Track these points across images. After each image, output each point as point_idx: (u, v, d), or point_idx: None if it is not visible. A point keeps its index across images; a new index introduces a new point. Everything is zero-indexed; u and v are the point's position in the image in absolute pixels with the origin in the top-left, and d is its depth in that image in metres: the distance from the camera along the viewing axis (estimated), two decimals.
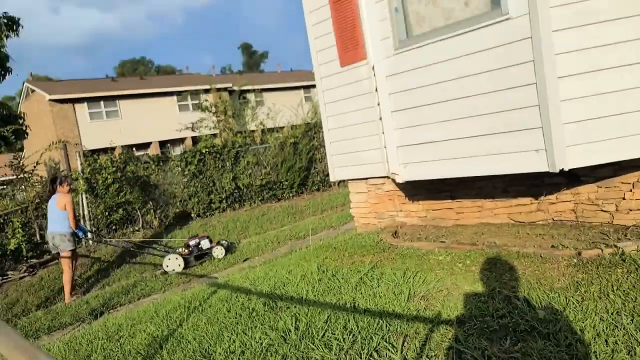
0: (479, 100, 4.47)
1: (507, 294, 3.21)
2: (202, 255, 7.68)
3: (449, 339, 2.79)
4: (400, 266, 4.23)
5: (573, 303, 2.94)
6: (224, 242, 8.24)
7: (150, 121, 26.76)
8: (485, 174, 4.63)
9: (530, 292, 3.18)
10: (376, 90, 5.38)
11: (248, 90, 24.88)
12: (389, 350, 2.80)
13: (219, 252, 7.61)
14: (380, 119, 5.40)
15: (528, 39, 4.02)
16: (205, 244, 7.78)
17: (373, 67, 5.35)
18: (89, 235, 8.18)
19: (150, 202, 11.17)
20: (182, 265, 7.33)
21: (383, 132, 5.41)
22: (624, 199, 4.31)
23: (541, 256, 3.80)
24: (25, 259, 9.20)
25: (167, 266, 7.35)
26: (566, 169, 4.05)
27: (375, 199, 6.18)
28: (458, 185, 5.46)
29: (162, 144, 27.46)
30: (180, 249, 7.79)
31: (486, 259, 3.97)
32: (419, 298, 3.48)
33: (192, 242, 7.77)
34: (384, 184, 6.01)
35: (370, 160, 5.80)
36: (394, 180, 5.57)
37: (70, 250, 6.79)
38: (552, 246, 4.05)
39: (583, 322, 2.68)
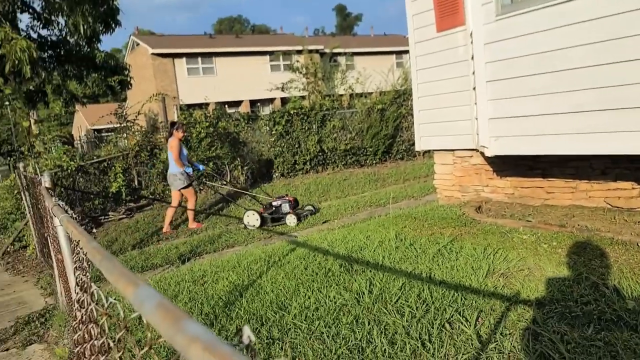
0: (587, 73, 4.16)
1: (595, 281, 3.05)
2: (279, 219, 7.81)
3: (527, 319, 2.73)
4: (481, 242, 4.13)
5: None
6: (309, 207, 8.24)
7: (242, 80, 27.51)
8: (586, 153, 4.34)
9: (621, 281, 3.01)
10: (472, 58, 5.17)
11: (339, 53, 24.74)
12: (462, 323, 2.79)
13: (291, 220, 7.60)
14: (474, 88, 5.20)
15: None
16: (285, 207, 7.80)
17: (471, 34, 5.13)
18: (202, 168, 8.47)
19: (239, 159, 11.61)
20: (259, 222, 7.56)
21: (475, 103, 5.22)
22: None
23: (638, 245, 3.55)
24: (124, 202, 9.98)
25: (247, 221, 7.65)
26: None
27: (461, 172, 6.03)
28: (551, 163, 5.18)
29: (253, 103, 28.21)
30: (263, 206, 8.06)
31: (575, 243, 3.78)
32: (498, 275, 3.41)
33: (274, 203, 7.91)
34: (471, 156, 5.83)
35: (459, 132, 5.64)
36: (482, 154, 5.38)
37: (182, 189, 7.84)
38: None
39: None
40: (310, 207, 8.19)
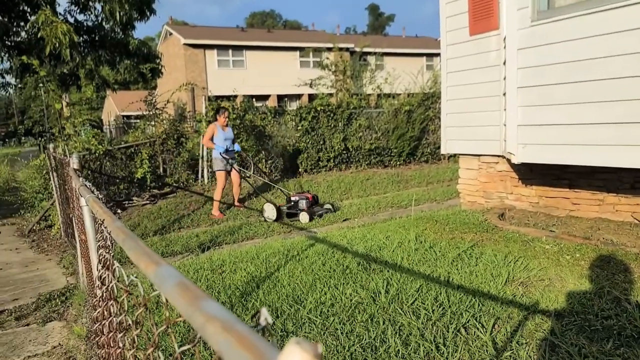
0: (620, 83, 4.07)
1: (617, 296, 2.99)
2: (295, 214, 7.77)
3: (544, 330, 2.69)
4: (503, 249, 4.08)
5: None
6: (328, 205, 8.14)
7: (271, 74, 27.65)
8: (615, 165, 4.25)
9: None
10: (504, 63, 5.10)
11: (369, 53, 24.63)
12: (478, 329, 2.76)
13: (303, 217, 7.53)
14: (504, 94, 5.14)
15: None
16: (301, 204, 7.74)
17: (504, 39, 5.06)
18: (237, 148, 8.68)
19: (263, 152, 11.67)
20: (274, 215, 7.57)
21: (505, 109, 5.15)
22: None
23: None
24: (148, 188, 10.13)
25: (266, 215, 7.65)
26: None
27: (486, 178, 5.96)
28: (579, 174, 5.08)
29: (280, 97, 28.34)
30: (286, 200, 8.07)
31: (598, 256, 3.71)
32: (518, 284, 3.36)
33: (293, 198, 7.89)
34: (497, 163, 5.76)
35: (487, 137, 5.57)
36: (508, 161, 5.31)
37: (220, 170, 8.28)
38: None
39: None
40: (329, 206, 8.08)
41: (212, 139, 8.31)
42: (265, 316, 0.60)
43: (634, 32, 3.94)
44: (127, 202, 9.46)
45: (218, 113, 8.47)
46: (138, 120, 12.31)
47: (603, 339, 2.54)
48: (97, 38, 12.75)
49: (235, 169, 8.49)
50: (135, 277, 1.24)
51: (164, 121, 10.96)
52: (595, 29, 4.21)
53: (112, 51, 12.76)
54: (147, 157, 10.11)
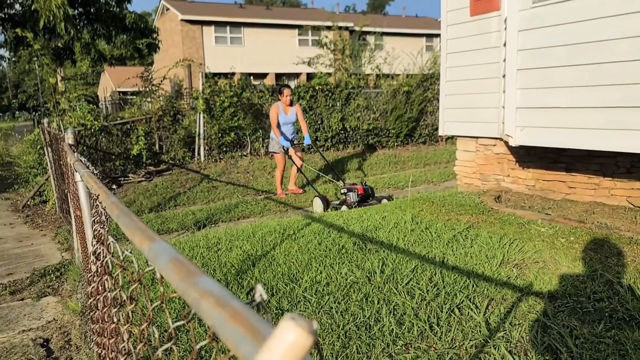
0: (620, 67, 4.05)
1: (610, 279, 3.01)
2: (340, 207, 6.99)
3: (537, 311, 2.71)
4: (498, 231, 4.10)
5: None
6: (385, 199, 6.99)
7: (270, 52, 27.40)
8: (612, 149, 4.25)
9: (637, 281, 2.96)
10: (504, 45, 5.05)
11: (369, 32, 24.38)
12: (471, 310, 2.78)
13: (316, 205, 6.98)
14: (504, 76, 5.10)
15: None
16: (349, 197, 6.90)
17: (505, 20, 5.00)
18: (306, 140, 7.67)
19: (260, 131, 11.62)
20: (322, 210, 6.83)
21: (504, 91, 5.12)
22: None
23: None
24: (144, 165, 10.09)
25: (314, 208, 7.09)
26: None
27: (483, 160, 5.95)
28: (576, 157, 5.08)
29: (278, 76, 28.12)
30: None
31: (593, 239, 3.72)
32: (512, 265, 3.38)
33: (342, 191, 7.06)
34: (494, 145, 5.75)
35: (485, 119, 5.55)
36: (506, 143, 5.30)
37: (276, 153, 7.68)
38: None
39: None
40: (385, 200, 6.87)
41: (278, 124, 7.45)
42: (260, 292, 0.59)
43: (635, 15, 3.90)
44: (122, 178, 9.44)
45: (280, 92, 7.56)
46: (134, 97, 12.20)
47: (595, 321, 2.56)
48: (92, 11, 12.57)
49: (296, 156, 7.64)
50: (130, 253, 1.23)
51: (161, 98, 10.87)
52: (596, 11, 4.16)
53: (108, 25, 12.60)
54: (143, 134, 10.05)
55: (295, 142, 7.69)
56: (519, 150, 5.45)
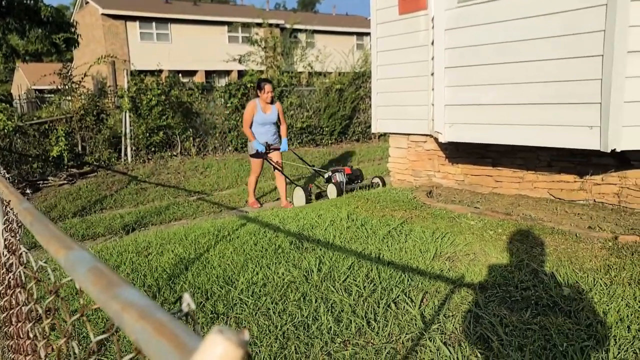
0: (538, 66, 4.26)
1: (535, 268, 3.16)
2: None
3: (469, 302, 2.78)
4: (430, 225, 4.20)
5: (600, 285, 2.87)
6: (376, 179, 6.82)
7: (199, 49, 26.76)
8: (533, 144, 4.48)
9: (559, 269, 3.12)
10: (432, 43, 5.19)
11: (300, 30, 24.43)
12: (407, 303, 2.82)
13: (331, 191, 6.35)
14: (432, 74, 5.24)
15: (602, 6, 3.76)
16: (335, 177, 6.63)
17: (432, 19, 5.14)
18: (283, 146, 6.67)
19: (190, 130, 11.32)
20: (304, 201, 6.49)
21: (433, 89, 5.26)
22: None
23: (576, 235, 3.70)
24: (66, 167, 9.55)
25: (295, 200, 6.69)
26: (618, 150, 3.88)
27: (415, 157, 6.09)
28: (502, 152, 5.31)
29: (208, 73, 27.53)
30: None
31: (518, 230, 3.90)
32: (445, 259, 3.47)
33: (327, 175, 6.83)
34: (425, 142, 5.90)
35: (415, 116, 5.68)
36: (436, 140, 5.45)
37: (252, 156, 6.56)
38: (589, 227, 3.93)
39: (607, 306, 2.63)
40: (377, 180, 6.66)
41: (251, 124, 6.48)
42: (187, 302, 0.54)
43: (553, 16, 4.11)
44: (41, 182, 8.87)
45: (259, 88, 6.49)
46: (52, 95, 11.50)
47: (522, 309, 2.67)
48: (3, 3, 11.72)
49: (272, 161, 6.61)
50: (46, 263, 1.12)
51: (82, 96, 10.31)
52: (518, 11, 4.36)
53: (21, 18, 11.80)
54: (64, 134, 9.50)
55: (273, 146, 6.61)
56: (449, 147, 5.62)
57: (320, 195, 6.55)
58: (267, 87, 6.41)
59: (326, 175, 6.74)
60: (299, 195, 6.55)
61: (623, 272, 3.02)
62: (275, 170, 6.72)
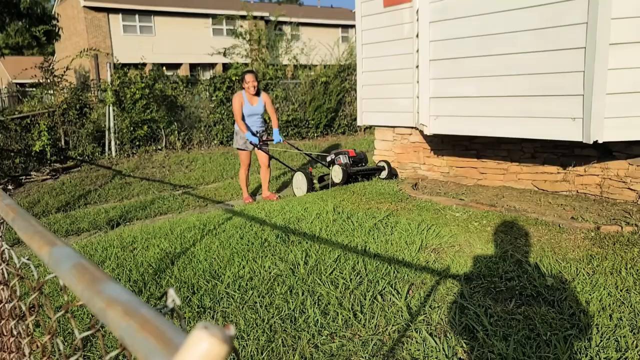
0: (523, 58, 4.30)
1: (519, 258, 3.19)
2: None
3: (455, 293, 2.81)
4: (416, 217, 4.22)
5: (583, 275, 2.92)
6: (382, 163, 6.32)
7: (183, 42, 26.49)
8: (517, 136, 4.52)
9: (543, 259, 3.16)
10: (417, 36, 5.20)
11: (285, 22, 24.31)
12: (393, 295, 2.84)
13: (336, 173, 5.99)
14: (417, 67, 5.25)
15: None
16: (339, 159, 6.35)
17: (417, 11, 5.14)
18: (276, 138, 6.45)
19: (175, 123, 11.23)
20: (305, 187, 6.25)
21: (417, 81, 5.27)
22: None
23: (559, 226, 3.75)
24: (49, 162, 9.42)
25: (295, 189, 6.50)
26: (600, 142, 3.93)
27: (400, 149, 6.11)
28: (486, 144, 5.35)
29: (193, 66, 27.29)
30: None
31: (503, 222, 3.94)
32: (430, 250, 3.49)
33: (329, 158, 6.54)
34: (410, 134, 5.92)
35: (401, 109, 5.69)
36: (421, 132, 5.47)
37: (241, 150, 6.44)
38: (572, 218, 3.99)
39: (590, 295, 2.67)
40: (383, 164, 6.27)
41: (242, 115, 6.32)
42: (172, 297, 0.53)
43: (536, 9, 4.14)
44: (24, 177, 8.75)
45: (242, 79, 6.46)
46: (34, 89, 11.32)
47: (507, 299, 2.71)
48: None
49: (262, 150, 6.42)
50: (29, 260, 1.11)
51: (65, 90, 10.17)
52: (502, 4, 4.38)
53: (0, 11, 11.56)
54: (46, 129, 9.36)
55: (264, 137, 6.49)
56: (434, 139, 5.65)
57: (323, 179, 6.23)
58: (247, 77, 6.33)
59: (329, 158, 6.44)
60: (299, 180, 6.26)
61: (605, 261, 3.08)
62: (262, 169, 6.61)
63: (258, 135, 6.38)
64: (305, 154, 7.46)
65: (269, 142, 6.56)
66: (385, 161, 6.28)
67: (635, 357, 2.16)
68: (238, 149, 6.55)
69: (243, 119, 6.39)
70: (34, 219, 0.94)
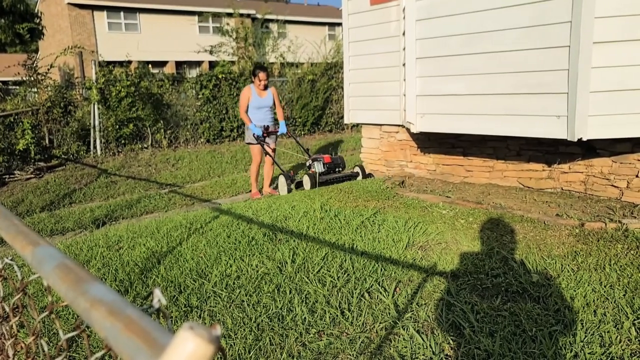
0: (508, 56, 4.33)
1: (505, 255, 3.22)
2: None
3: (441, 290, 2.83)
4: (403, 215, 4.24)
5: (568, 271, 2.95)
6: (357, 169, 6.47)
7: (169, 39, 26.29)
8: (503, 134, 4.56)
9: (528, 256, 3.20)
10: (403, 34, 5.21)
11: (271, 20, 24.22)
12: (380, 293, 2.85)
13: (305, 183, 6.19)
14: (404, 65, 5.26)
15: None
16: (314, 167, 6.46)
17: (404, 9, 5.16)
18: (281, 129, 6.73)
19: (161, 122, 11.14)
20: (286, 189, 6.42)
21: (404, 79, 5.29)
22: (637, 176, 4.24)
23: (544, 223, 3.79)
24: (33, 161, 9.30)
25: (279, 189, 6.63)
26: (585, 139, 3.97)
27: (387, 147, 6.13)
28: (472, 142, 5.39)
29: (179, 64, 27.09)
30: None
31: (489, 219, 3.97)
32: (417, 248, 3.51)
33: (308, 163, 6.68)
34: (397, 132, 5.94)
35: (387, 107, 5.71)
36: (408, 130, 5.49)
37: (251, 144, 6.61)
38: (557, 215, 4.03)
39: (575, 291, 2.70)
40: (357, 170, 6.43)
41: (247, 109, 6.57)
42: (158, 297, 0.53)
43: (521, 7, 4.18)
44: (7, 176, 8.63)
45: (254, 75, 6.62)
46: (17, 87, 11.16)
47: (493, 296, 2.73)
48: None
49: (269, 147, 6.63)
50: (12, 260, 1.10)
51: (49, 88, 10.04)
52: (485, 3, 4.41)
53: None
54: (30, 127, 9.24)
55: (271, 129, 6.67)
56: (420, 137, 5.67)
57: (300, 184, 6.42)
58: (262, 75, 6.53)
59: (307, 164, 6.66)
60: (281, 182, 6.51)
61: (589, 258, 3.12)
62: (267, 156, 6.75)
63: (263, 128, 6.56)
64: (304, 150, 7.51)
65: (276, 134, 6.80)
66: (360, 166, 6.43)
67: (619, 352, 2.19)
68: (249, 143, 6.69)
69: (248, 113, 6.62)
70: (17, 219, 0.93)
